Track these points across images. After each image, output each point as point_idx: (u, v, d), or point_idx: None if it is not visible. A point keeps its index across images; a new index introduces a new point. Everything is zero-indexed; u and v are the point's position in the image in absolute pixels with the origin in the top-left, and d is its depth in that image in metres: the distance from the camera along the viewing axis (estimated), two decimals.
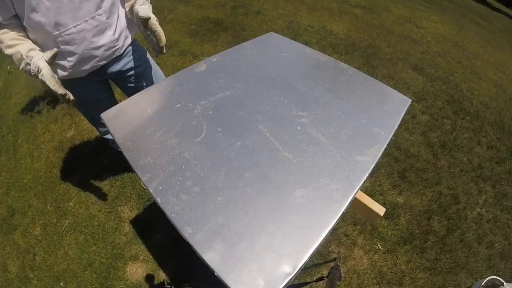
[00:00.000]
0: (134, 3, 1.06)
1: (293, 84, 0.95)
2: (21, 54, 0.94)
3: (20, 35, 0.97)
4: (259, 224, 0.61)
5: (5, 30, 0.95)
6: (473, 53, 3.71)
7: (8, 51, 0.97)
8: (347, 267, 1.51)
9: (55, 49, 0.97)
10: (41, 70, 0.92)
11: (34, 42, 1.02)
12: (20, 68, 0.98)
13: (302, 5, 3.82)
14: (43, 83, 0.94)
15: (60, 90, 0.96)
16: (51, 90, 0.95)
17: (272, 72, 1.00)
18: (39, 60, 0.93)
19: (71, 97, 1.00)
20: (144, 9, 1.01)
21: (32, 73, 0.95)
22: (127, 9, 1.11)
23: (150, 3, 1.08)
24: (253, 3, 3.71)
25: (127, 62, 1.23)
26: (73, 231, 1.63)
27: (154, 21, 1.02)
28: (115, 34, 1.11)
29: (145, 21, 1.01)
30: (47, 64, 0.93)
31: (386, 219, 1.71)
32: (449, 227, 1.72)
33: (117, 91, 1.46)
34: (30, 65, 0.94)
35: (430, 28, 4.05)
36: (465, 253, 1.62)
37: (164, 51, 1.08)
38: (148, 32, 1.05)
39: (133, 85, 1.32)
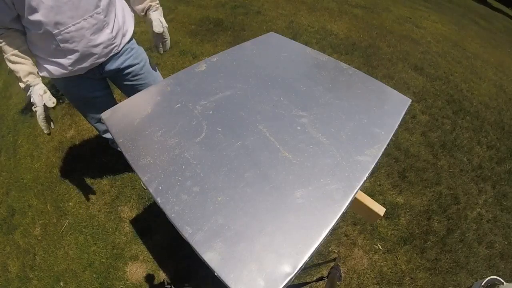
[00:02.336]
0: (148, 9, 1.22)
1: (293, 84, 0.95)
2: (20, 76, 1.04)
3: (21, 51, 1.03)
4: (259, 224, 0.61)
5: (8, 40, 1.00)
6: (473, 53, 3.72)
7: (8, 64, 1.04)
8: (347, 267, 1.51)
9: (53, 101, 1.09)
10: (35, 106, 1.06)
11: (33, 41, 1.04)
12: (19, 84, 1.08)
13: (302, 5, 3.82)
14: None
15: (46, 130, 1.11)
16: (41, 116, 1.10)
17: (272, 72, 1.00)
18: (38, 96, 1.06)
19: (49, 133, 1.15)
20: (158, 26, 1.19)
21: (31, 101, 1.08)
22: (141, 14, 1.23)
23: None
24: (253, 3, 3.71)
25: (125, 60, 1.24)
26: (73, 231, 1.63)
27: (166, 32, 1.23)
28: (113, 32, 1.13)
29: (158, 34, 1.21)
30: (42, 104, 1.06)
31: (386, 219, 1.71)
32: (449, 227, 1.72)
33: (117, 92, 1.46)
34: (28, 91, 1.07)
35: (430, 28, 4.05)
36: (465, 253, 1.62)
37: (163, 51, 1.31)
38: (158, 38, 1.24)
39: (130, 83, 1.33)
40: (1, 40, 1.00)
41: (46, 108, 1.08)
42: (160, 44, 1.26)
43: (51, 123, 1.14)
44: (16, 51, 1.02)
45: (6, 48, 1.01)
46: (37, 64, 1.12)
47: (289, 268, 0.54)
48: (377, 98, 0.93)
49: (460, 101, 2.65)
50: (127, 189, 1.77)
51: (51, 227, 1.66)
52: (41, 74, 1.12)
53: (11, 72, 1.06)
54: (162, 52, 1.30)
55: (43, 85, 1.10)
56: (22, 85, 1.07)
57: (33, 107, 1.09)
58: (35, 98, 1.07)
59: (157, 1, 1.24)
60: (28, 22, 0.95)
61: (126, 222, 1.64)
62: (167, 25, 1.27)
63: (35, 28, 0.97)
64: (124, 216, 1.67)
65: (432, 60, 3.20)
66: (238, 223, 0.61)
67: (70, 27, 0.99)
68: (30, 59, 1.07)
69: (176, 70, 1.86)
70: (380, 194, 1.82)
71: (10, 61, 1.03)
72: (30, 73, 1.06)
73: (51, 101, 1.09)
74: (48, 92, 1.10)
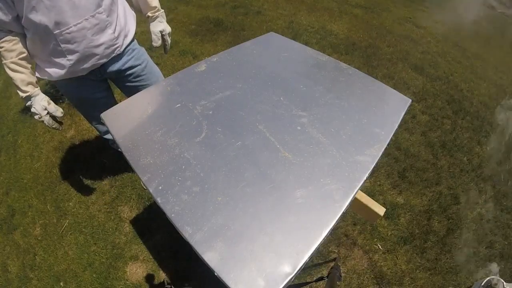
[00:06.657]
0: (150, 18, 1.28)
1: (293, 84, 0.95)
2: (18, 85, 1.06)
3: (21, 58, 1.03)
4: (259, 224, 0.61)
5: (9, 46, 1.00)
6: (473, 53, 3.71)
7: (7, 71, 1.04)
8: (347, 267, 1.51)
9: (60, 111, 1.15)
10: (39, 116, 1.10)
11: (33, 42, 1.03)
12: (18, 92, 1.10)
13: (302, 5, 3.82)
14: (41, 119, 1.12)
15: (59, 128, 1.19)
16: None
17: (272, 72, 1.00)
18: (41, 107, 1.09)
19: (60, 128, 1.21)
20: (156, 40, 1.30)
21: (32, 111, 1.10)
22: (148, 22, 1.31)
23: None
24: (253, 3, 3.71)
25: (126, 61, 1.24)
26: (73, 231, 1.63)
27: (166, 38, 1.34)
28: (115, 33, 1.12)
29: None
30: (46, 113, 1.10)
31: (386, 219, 1.71)
32: (449, 227, 1.72)
33: (117, 91, 1.46)
34: (29, 102, 1.09)
35: (430, 28, 4.04)
36: (465, 253, 1.62)
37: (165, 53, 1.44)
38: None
39: (131, 84, 1.32)
40: (2, 45, 0.99)
41: (52, 115, 1.12)
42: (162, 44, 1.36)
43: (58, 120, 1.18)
44: (15, 59, 1.02)
45: (6, 54, 1.01)
46: (36, 66, 1.11)
47: (289, 268, 0.54)
48: (377, 98, 0.93)
49: (460, 101, 2.65)
50: (127, 189, 1.77)
51: (51, 227, 1.66)
52: (40, 77, 1.12)
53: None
54: (165, 53, 1.43)
55: (44, 95, 1.11)
56: (22, 94, 1.07)
57: (35, 116, 1.11)
58: (37, 109, 1.09)
59: (155, 12, 1.27)
60: (28, 22, 0.94)
61: (126, 222, 1.64)
62: (170, 30, 1.33)
63: (35, 28, 0.96)
64: (124, 216, 1.67)
65: (432, 60, 3.19)
66: (238, 223, 0.61)
67: (71, 27, 0.98)
68: (29, 67, 1.07)
69: (176, 70, 1.86)
70: (380, 194, 1.82)
71: (9, 68, 1.03)
72: (29, 83, 1.07)
73: (58, 111, 1.14)
74: (52, 103, 1.13)
